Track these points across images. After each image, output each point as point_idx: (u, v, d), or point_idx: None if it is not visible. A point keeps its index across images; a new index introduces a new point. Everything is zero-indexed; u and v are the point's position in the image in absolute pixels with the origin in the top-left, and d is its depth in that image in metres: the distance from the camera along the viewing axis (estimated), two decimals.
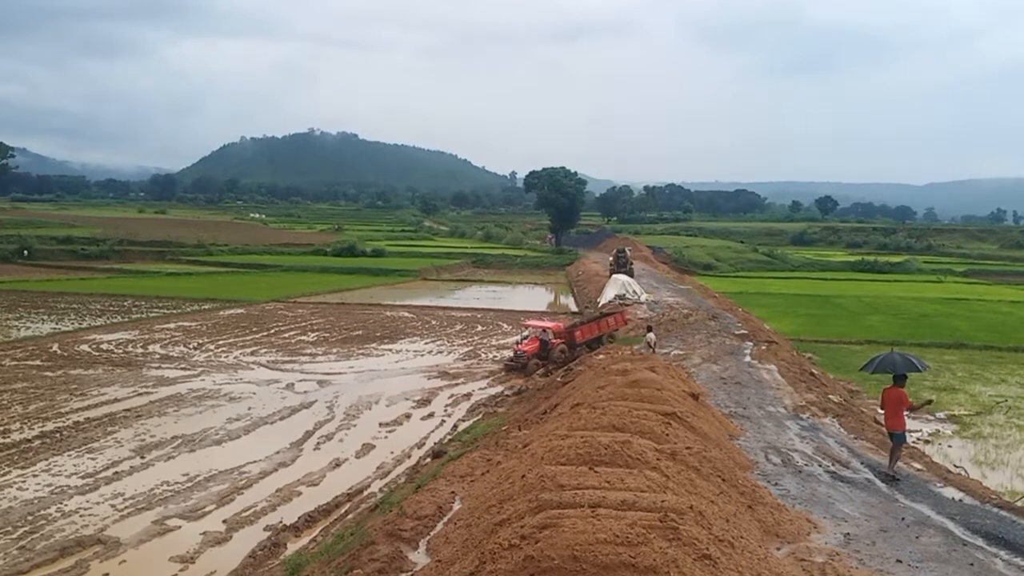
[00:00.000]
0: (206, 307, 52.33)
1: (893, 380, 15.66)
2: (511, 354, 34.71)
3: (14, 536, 16.25)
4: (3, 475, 19.80)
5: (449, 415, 27.60)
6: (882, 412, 16.45)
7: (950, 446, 20.92)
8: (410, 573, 10.83)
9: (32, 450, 21.75)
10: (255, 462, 21.39)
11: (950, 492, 14.86)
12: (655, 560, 8.16)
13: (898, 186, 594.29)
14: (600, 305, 50.73)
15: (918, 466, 16.83)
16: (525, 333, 35.73)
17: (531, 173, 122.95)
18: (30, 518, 17.16)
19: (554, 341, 34.46)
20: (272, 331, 43.58)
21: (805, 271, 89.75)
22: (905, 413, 15.65)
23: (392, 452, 23.01)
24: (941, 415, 24.18)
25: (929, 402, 16.57)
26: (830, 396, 23.92)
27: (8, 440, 22.56)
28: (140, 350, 36.83)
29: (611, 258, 67.95)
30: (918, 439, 21.42)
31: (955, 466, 18.07)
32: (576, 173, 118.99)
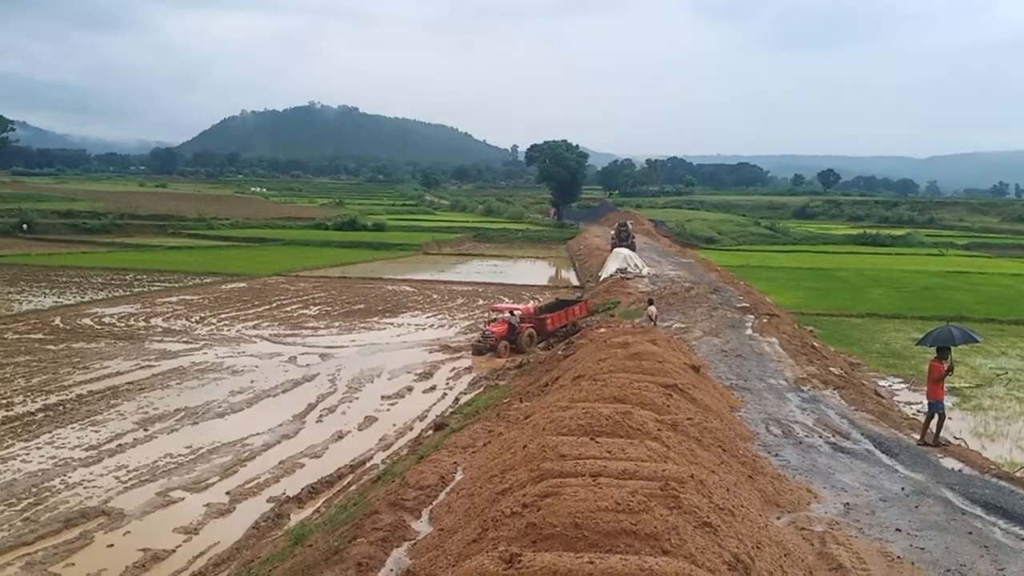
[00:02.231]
0: (208, 281, 52.38)
1: (937, 352, 16.34)
2: (479, 335, 33.62)
3: (18, 508, 16.37)
4: (7, 448, 19.93)
5: (451, 388, 27.71)
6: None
7: (950, 418, 20.85)
8: (413, 541, 10.92)
9: (36, 423, 21.87)
10: (258, 434, 21.51)
11: (949, 463, 14.93)
12: (656, 527, 8.21)
13: (901, 159, 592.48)
14: (602, 279, 50.74)
15: (918, 437, 16.89)
16: (493, 316, 34.82)
17: (532, 146, 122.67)
18: (34, 490, 17.29)
19: (522, 325, 33.63)
20: (274, 305, 43.64)
21: (807, 244, 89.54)
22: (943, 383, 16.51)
23: (394, 424, 23.13)
24: None
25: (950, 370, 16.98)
26: (831, 368, 23.97)
27: (12, 413, 22.69)
28: (142, 324, 36.90)
29: (612, 232, 67.73)
30: (918, 411, 21.49)
31: (955, 437, 18.14)
32: (578, 146, 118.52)
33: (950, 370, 16.53)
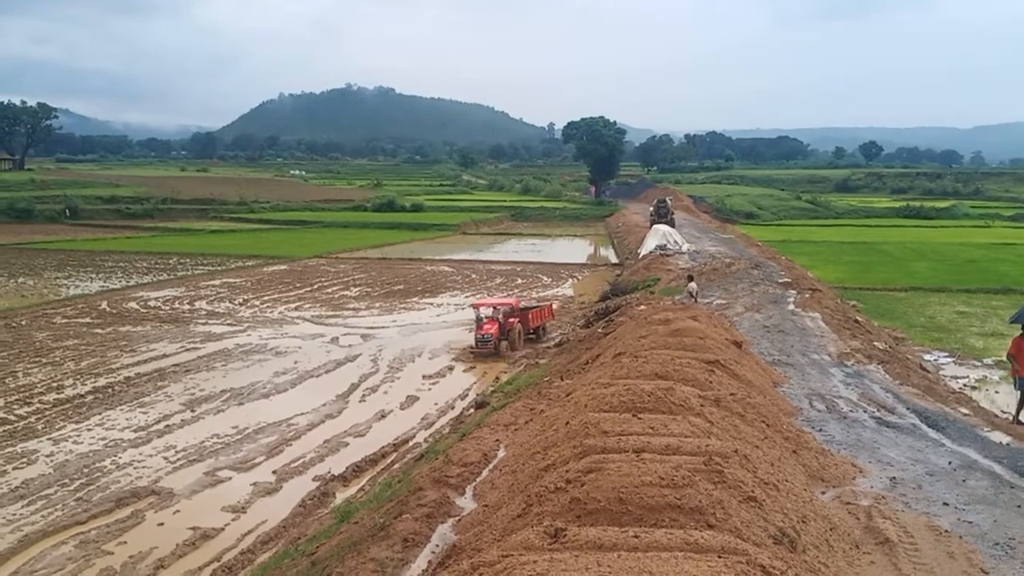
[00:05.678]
0: (250, 264, 52.97)
1: (1022, 329, 16.45)
2: (477, 339, 30.06)
3: (71, 488, 16.76)
4: (59, 429, 20.38)
5: (491, 367, 27.79)
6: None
7: (997, 392, 20.68)
8: (458, 517, 11.03)
9: (86, 405, 22.33)
10: (302, 414, 21.78)
11: (997, 436, 14.71)
12: (701, 501, 8.22)
13: (944, 130, 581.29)
14: (641, 256, 50.47)
15: (964, 411, 16.68)
16: (480, 314, 31.27)
17: (569, 124, 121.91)
18: (86, 470, 17.68)
19: (510, 321, 31.12)
20: (315, 286, 44.02)
21: (849, 218, 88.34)
22: None
23: (436, 403, 23.30)
24: (988, 361, 23.88)
25: None
26: (875, 343, 23.69)
27: (63, 395, 23.18)
28: (187, 307, 37.43)
29: (651, 208, 67.19)
30: (965, 385, 21.23)
31: (1002, 411, 17.91)
32: (615, 123, 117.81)
33: None
